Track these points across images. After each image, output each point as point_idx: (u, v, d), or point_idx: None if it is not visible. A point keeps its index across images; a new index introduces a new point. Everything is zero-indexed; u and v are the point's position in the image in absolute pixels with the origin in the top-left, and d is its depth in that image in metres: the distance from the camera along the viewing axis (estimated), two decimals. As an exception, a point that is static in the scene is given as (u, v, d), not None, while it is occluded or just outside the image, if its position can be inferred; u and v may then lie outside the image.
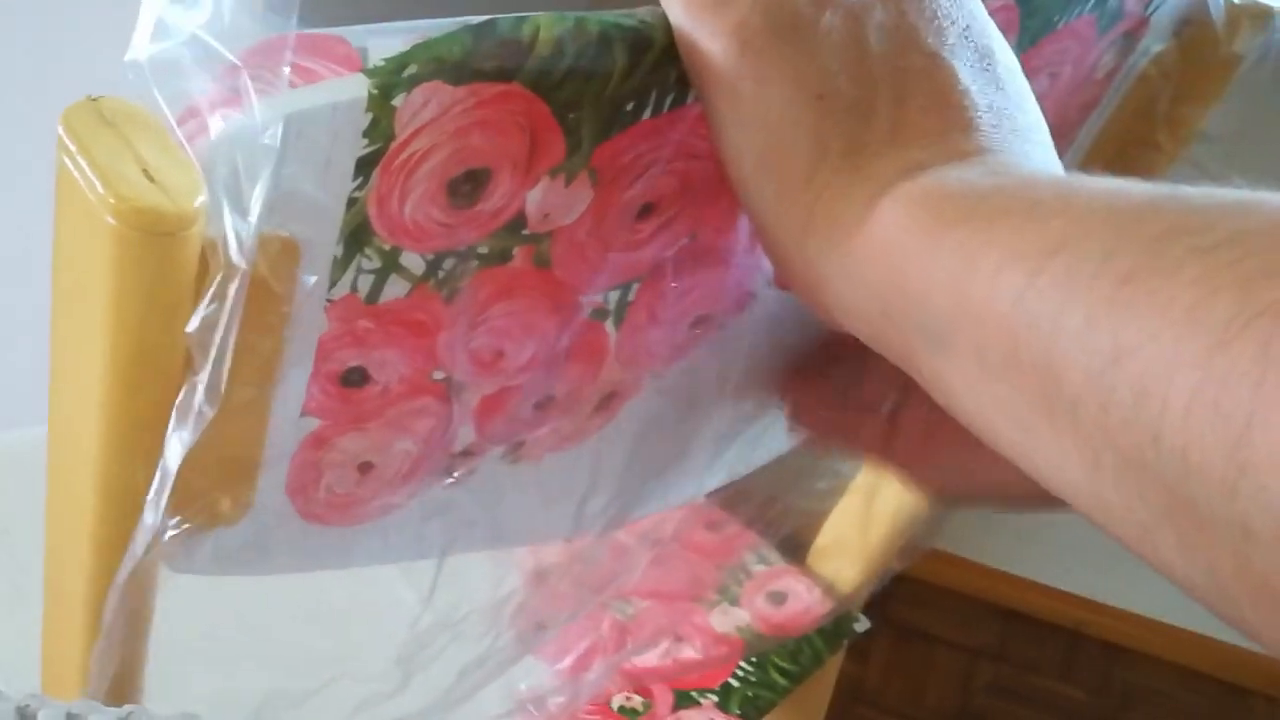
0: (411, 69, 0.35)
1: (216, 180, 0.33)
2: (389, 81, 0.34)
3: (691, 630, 0.80)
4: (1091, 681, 1.56)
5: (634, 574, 0.59)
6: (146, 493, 0.36)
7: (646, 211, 0.44)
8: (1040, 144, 0.40)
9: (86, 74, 0.37)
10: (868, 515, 0.80)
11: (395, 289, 0.40)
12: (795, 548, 0.86)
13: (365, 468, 0.46)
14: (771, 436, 0.59)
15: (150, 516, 0.36)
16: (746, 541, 0.85)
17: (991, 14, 0.42)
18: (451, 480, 0.49)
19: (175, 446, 0.35)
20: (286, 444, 0.43)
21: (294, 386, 0.41)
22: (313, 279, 0.37)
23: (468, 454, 0.49)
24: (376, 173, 0.36)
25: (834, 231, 0.38)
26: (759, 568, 0.85)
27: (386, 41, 0.35)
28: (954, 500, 0.56)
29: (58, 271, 0.35)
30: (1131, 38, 0.56)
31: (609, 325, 0.48)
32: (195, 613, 0.46)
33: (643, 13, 0.38)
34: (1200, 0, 0.57)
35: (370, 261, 0.39)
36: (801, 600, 0.83)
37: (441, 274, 0.41)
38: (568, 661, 0.70)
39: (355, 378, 0.42)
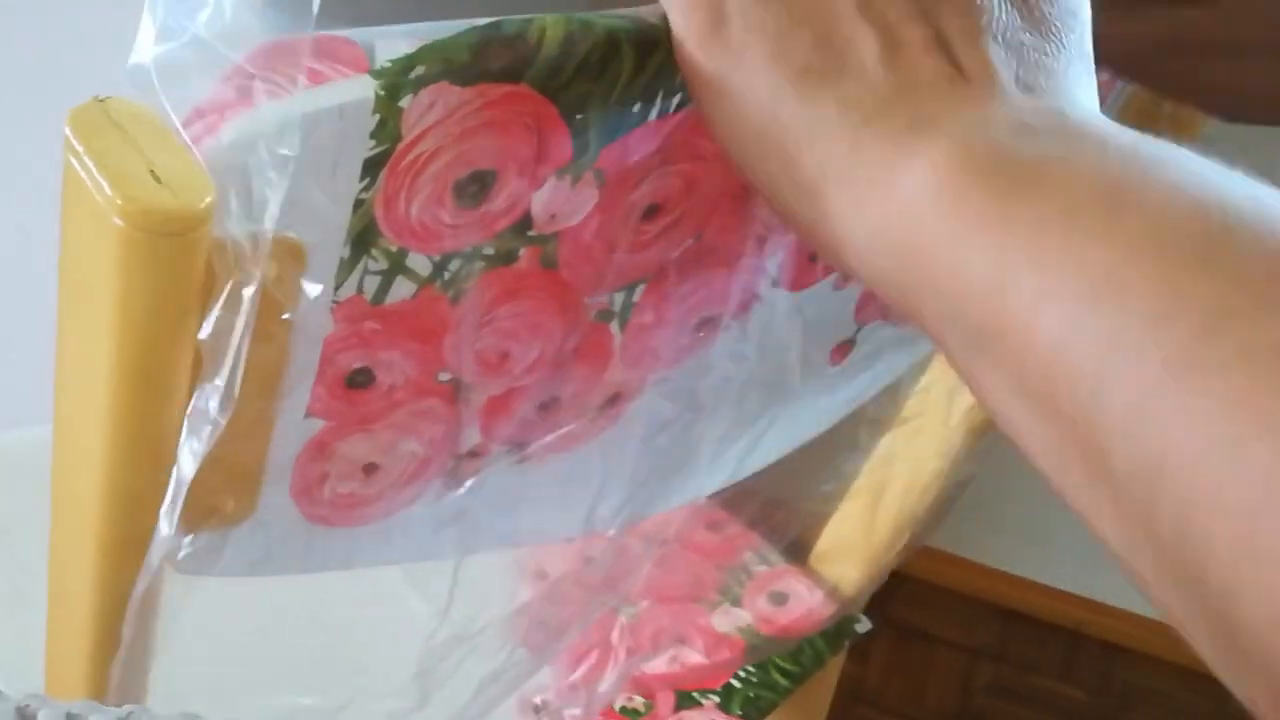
0: (418, 70, 0.34)
1: (224, 183, 0.33)
2: (395, 83, 0.34)
3: (693, 631, 0.80)
4: (1092, 681, 1.56)
5: (638, 575, 0.59)
6: (152, 497, 0.36)
7: (652, 212, 0.44)
8: (1074, 82, 0.37)
9: (89, 74, 0.36)
10: (873, 518, 0.80)
11: (402, 290, 0.40)
12: (797, 549, 0.86)
13: (371, 469, 0.46)
14: (773, 438, 0.59)
15: (165, 528, 0.36)
16: (748, 542, 0.85)
17: None
18: (457, 483, 0.49)
19: (188, 456, 0.35)
20: (291, 447, 0.43)
21: (299, 390, 0.41)
22: (318, 284, 0.37)
23: (474, 455, 0.49)
24: (383, 174, 0.36)
25: (848, 195, 0.35)
26: (760, 568, 0.85)
27: (393, 43, 0.35)
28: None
29: (64, 273, 0.35)
30: (1136, 38, 0.56)
31: (614, 326, 0.48)
32: (209, 628, 0.46)
33: (649, 12, 0.38)
34: (1205, 1, 0.57)
35: (377, 263, 0.39)
36: (803, 601, 0.83)
37: (448, 275, 0.41)
38: (580, 672, 0.70)
39: (361, 379, 0.42)
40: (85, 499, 0.38)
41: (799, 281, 0.51)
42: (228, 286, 0.33)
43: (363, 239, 0.38)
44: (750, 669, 0.81)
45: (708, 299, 0.49)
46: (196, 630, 0.44)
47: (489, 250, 0.41)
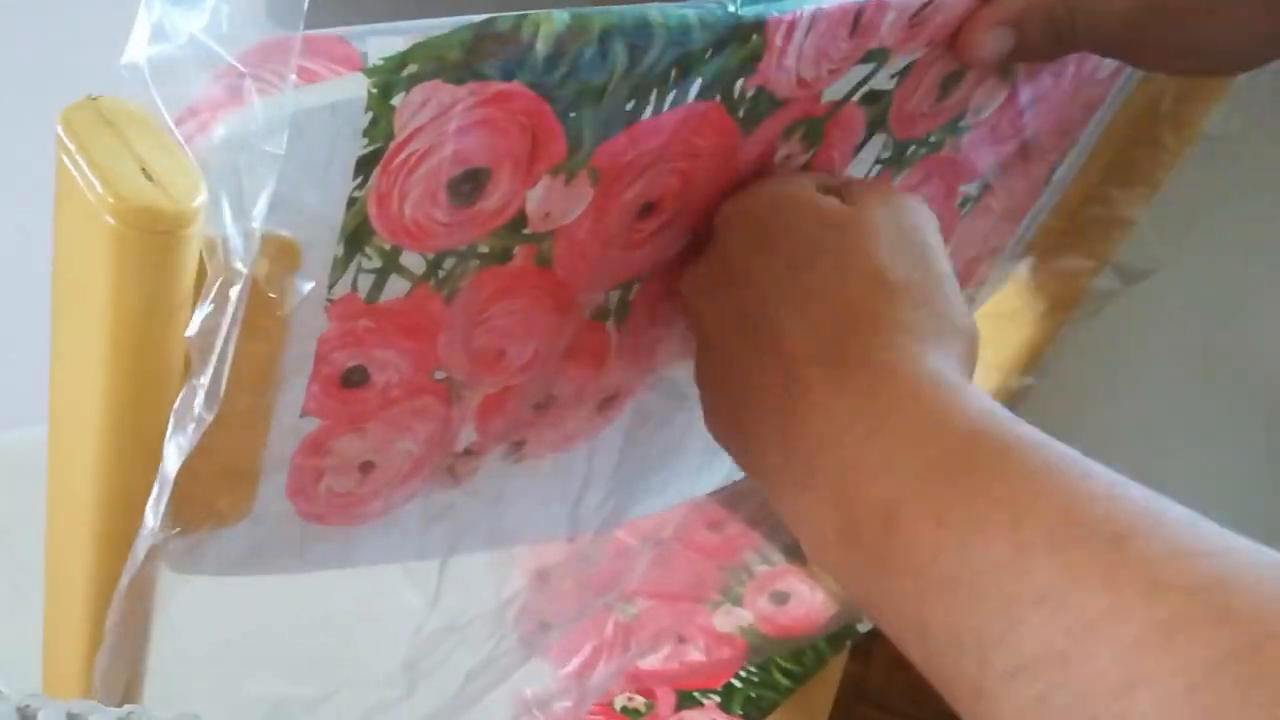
0: (411, 68, 0.34)
1: (216, 181, 0.33)
2: (388, 81, 0.34)
3: (695, 631, 0.80)
4: (1095, 682, 1.55)
5: (636, 575, 0.59)
6: (145, 494, 0.36)
7: (647, 210, 0.43)
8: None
9: (84, 74, 0.36)
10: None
11: (396, 288, 0.40)
12: (798, 548, 0.85)
13: (366, 467, 0.46)
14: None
15: (150, 521, 0.36)
16: (749, 541, 0.85)
17: None
18: (454, 482, 0.49)
19: (173, 451, 0.35)
20: (286, 446, 0.43)
21: (294, 389, 0.41)
22: (310, 282, 0.37)
23: (469, 454, 0.49)
24: (376, 172, 0.36)
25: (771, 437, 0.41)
26: (762, 568, 0.85)
27: (386, 41, 0.35)
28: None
29: (57, 271, 0.35)
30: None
31: (609, 324, 0.48)
32: (202, 619, 0.46)
33: (643, 9, 0.38)
34: None
35: (370, 261, 0.39)
36: (804, 601, 0.83)
37: (442, 273, 0.40)
38: (573, 665, 0.70)
39: (356, 378, 0.42)
40: (79, 496, 0.38)
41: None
42: (215, 284, 0.33)
43: (356, 237, 0.38)
44: (752, 669, 0.80)
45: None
46: (187, 622, 0.44)
47: (483, 248, 0.41)
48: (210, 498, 0.42)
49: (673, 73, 0.39)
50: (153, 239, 0.32)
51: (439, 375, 0.44)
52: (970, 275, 0.62)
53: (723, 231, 0.44)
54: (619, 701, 0.76)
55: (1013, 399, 0.76)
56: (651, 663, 0.77)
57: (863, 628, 0.86)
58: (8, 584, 0.68)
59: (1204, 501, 0.34)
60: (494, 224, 0.40)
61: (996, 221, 0.59)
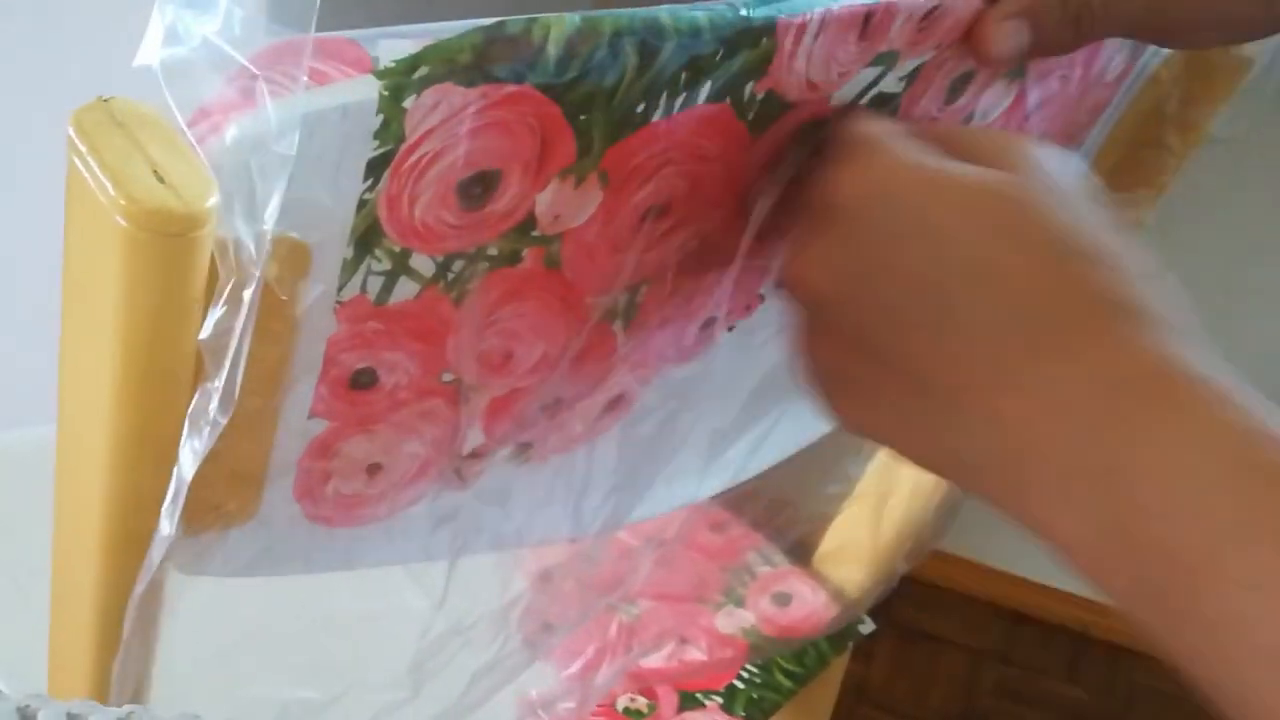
0: (422, 71, 0.34)
1: (228, 183, 0.33)
2: (399, 83, 0.34)
3: (697, 632, 0.80)
4: (1097, 683, 1.55)
5: (639, 576, 0.58)
6: (155, 496, 0.36)
7: (656, 213, 0.43)
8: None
9: (90, 75, 0.36)
10: (878, 521, 0.80)
11: (405, 290, 0.40)
12: (801, 550, 0.86)
13: (374, 469, 0.46)
14: (778, 438, 0.59)
15: (166, 527, 0.36)
16: (751, 543, 0.85)
17: None
18: (461, 484, 0.49)
19: (189, 455, 0.35)
20: (294, 447, 0.43)
21: (302, 390, 0.41)
22: (322, 285, 0.37)
23: (476, 456, 0.49)
24: (387, 174, 0.36)
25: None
26: (764, 569, 0.85)
27: (397, 44, 0.35)
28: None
29: (67, 273, 0.35)
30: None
31: (618, 327, 0.48)
32: (208, 623, 0.46)
33: (653, 12, 0.38)
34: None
35: (380, 263, 0.39)
36: (806, 602, 0.83)
37: (451, 276, 0.40)
38: (576, 666, 0.70)
39: (364, 380, 0.42)
40: (88, 498, 0.38)
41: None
42: (228, 287, 0.33)
43: (366, 239, 0.38)
44: (754, 669, 0.80)
45: (712, 299, 0.49)
46: (193, 624, 0.44)
47: (493, 251, 0.41)
48: (218, 500, 0.42)
49: (683, 75, 0.39)
50: (164, 241, 0.32)
51: (447, 377, 0.44)
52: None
53: (851, 216, 0.40)
54: (621, 702, 0.76)
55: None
56: (654, 663, 0.77)
57: (864, 629, 0.86)
58: (10, 584, 0.68)
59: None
60: (504, 226, 0.40)
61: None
